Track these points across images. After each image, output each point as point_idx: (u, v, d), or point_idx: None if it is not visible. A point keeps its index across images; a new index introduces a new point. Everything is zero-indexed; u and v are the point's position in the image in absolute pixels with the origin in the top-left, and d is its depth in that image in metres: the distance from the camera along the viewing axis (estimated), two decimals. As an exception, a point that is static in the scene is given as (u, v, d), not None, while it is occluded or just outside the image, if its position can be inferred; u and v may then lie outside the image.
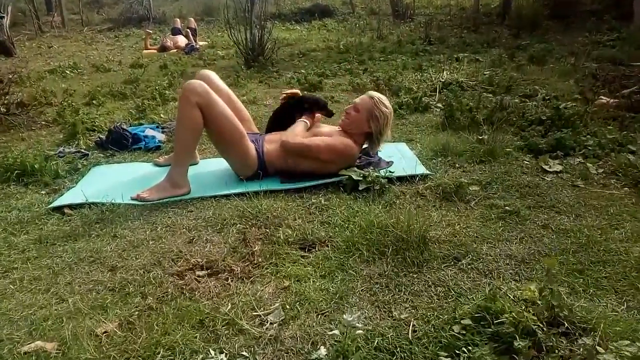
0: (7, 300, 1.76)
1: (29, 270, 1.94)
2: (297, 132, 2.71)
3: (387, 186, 2.50)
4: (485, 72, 5.56)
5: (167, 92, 5.21)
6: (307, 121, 2.75)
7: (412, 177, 2.64)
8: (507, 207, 2.24)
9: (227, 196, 2.53)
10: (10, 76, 4.52)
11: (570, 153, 2.90)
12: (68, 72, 7.35)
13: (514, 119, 3.57)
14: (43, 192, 2.73)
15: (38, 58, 9.66)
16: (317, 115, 2.98)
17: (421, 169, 2.71)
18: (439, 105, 4.16)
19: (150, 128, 3.71)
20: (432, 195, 2.44)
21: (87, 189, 2.69)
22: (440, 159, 2.92)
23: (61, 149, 3.42)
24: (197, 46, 9.80)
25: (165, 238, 2.14)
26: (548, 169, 2.69)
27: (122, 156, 3.32)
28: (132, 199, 2.54)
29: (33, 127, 4.14)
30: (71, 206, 2.49)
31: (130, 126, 3.88)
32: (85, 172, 3.01)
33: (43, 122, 4.24)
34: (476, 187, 2.49)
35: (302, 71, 6.45)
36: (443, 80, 5.00)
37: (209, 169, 2.94)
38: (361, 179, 2.52)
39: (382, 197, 2.44)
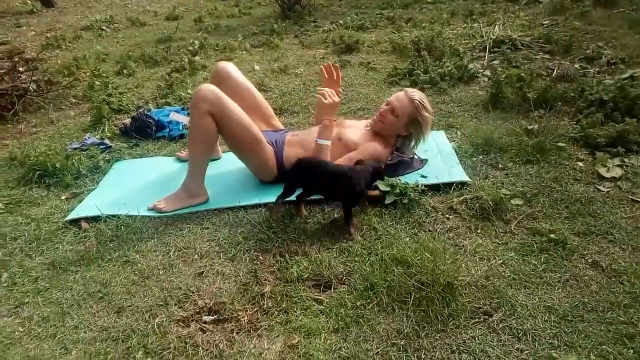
0: (14, 347, 1.73)
1: (39, 306, 1.89)
2: (322, 156, 2.40)
3: (417, 199, 2.26)
4: (544, 22, 4.97)
5: (197, 57, 4.99)
6: (330, 121, 2.46)
7: (448, 184, 2.37)
8: (552, 235, 1.96)
9: (244, 207, 2.38)
10: (39, 54, 4.36)
11: (634, 149, 2.51)
12: (104, 27, 7.21)
13: (572, 95, 3.14)
14: (63, 197, 2.67)
15: (77, 8, 9.58)
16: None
17: (458, 174, 2.43)
18: (487, 74, 3.74)
19: (175, 111, 3.55)
20: (467, 212, 2.19)
21: (106, 193, 2.63)
22: (481, 156, 2.61)
23: (86, 137, 3.35)
24: (235, -10, 9.36)
25: (176, 267, 2.03)
26: (605, 174, 2.34)
27: (146, 146, 3.21)
28: (149, 209, 2.44)
29: (62, 106, 4.08)
30: (87, 218, 2.42)
31: (157, 107, 3.75)
32: (107, 169, 2.93)
33: (72, 100, 4.16)
34: (519, 202, 2.21)
35: (340, 22, 6.02)
36: (494, 37, 4.49)
37: (230, 167, 2.77)
38: (389, 189, 2.29)
39: (410, 213, 2.21)
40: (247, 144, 2.41)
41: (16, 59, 3.82)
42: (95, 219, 2.41)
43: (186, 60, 4.76)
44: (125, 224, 2.34)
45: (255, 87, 3.85)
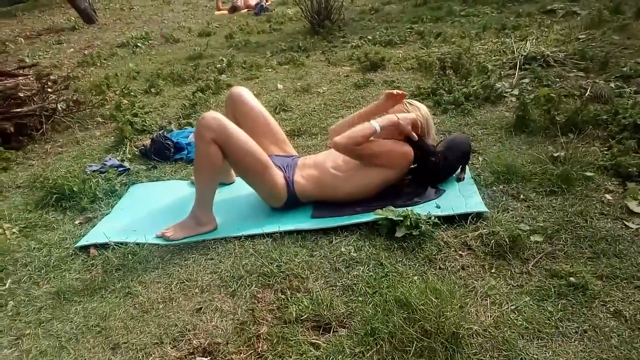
0: (10, 382, 1.72)
1: (38, 339, 1.89)
2: (357, 132, 2.35)
3: (429, 232, 2.14)
4: (580, 36, 4.74)
5: (223, 76, 5.02)
6: (378, 127, 2.35)
7: (463, 216, 2.24)
8: (572, 278, 1.81)
9: (252, 236, 2.32)
10: (69, 73, 4.46)
11: (670, 181, 2.33)
12: (139, 44, 7.39)
13: (604, 118, 2.95)
14: (77, 221, 2.69)
15: (117, 24, 9.87)
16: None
17: (475, 204, 2.31)
18: (515, 93, 3.57)
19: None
20: (481, 249, 2.06)
21: (118, 218, 2.64)
22: (501, 186, 2.47)
23: (107, 158, 3.39)
24: (267, 4, 9.48)
25: (176, 300, 1.99)
26: (636, 209, 2.17)
27: (163, 169, 3.22)
28: (157, 236, 2.42)
29: (89, 125, 4.16)
30: (96, 245, 2.42)
31: (179, 128, 3.77)
32: (123, 192, 2.94)
33: (99, 120, 4.24)
34: (539, 238, 2.06)
35: (369, 37, 5.95)
36: (525, 53, 4.31)
37: (242, 192, 2.72)
38: (400, 220, 2.19)
39: (421, 247, 2.10)
40: (255, 170, 2.37)
41: (44, 80, 3.92)
42: (104, 246, 2.41)
43: (212, 78, 4.79)
44: (132, 252, 2.34)
45: (277, 107, 3.88)
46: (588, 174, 2.43)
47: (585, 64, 3.96)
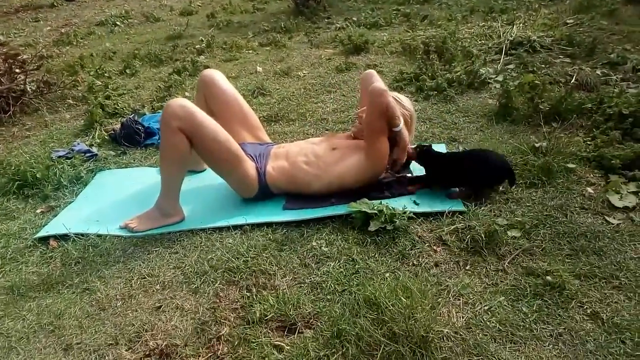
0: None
1: (-13, 338, 1.77)
2: (394, 108, 2.19)
3: (404, 226, 2.05)
4: (568, 20, 4.64)
5: (201, 57, 4.86)
6: (400, 128, 2.24)
7: (439, 213, 2.16)
8: (548, 277, 1.73)
9: (220, 229, 2.22)
10: (38, 53, 4.25)
11: (654, 174, 2.25)
12: (118, 22, 7.15)
13: (589, 106, 2.87)
14: (39, 210, 2.56)
15: (97, 1, 9.58)
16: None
17: (451, 202, 2.21)
18: (499, 79, 3.47)
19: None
20: (456, 244, 1.97)
21: (82, 207, 2.52)
22: (480, 177, 2.37)
23: (75, 143, 3.24)
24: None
25: (135, 298, 1.89)
26: (617, 203, 2.09)
27: (133, 155, 3.08)
28: (121, 227, 2.31)
29: (59, 107, 3.99)
30: (56, 236, 2.30)
31: (152, 111, 3.63)
32: (89, 179, 2.81)
33: (70, 102, 4.07)
34: (516, 234, 1.98)
35: (354, 19, 5.79)
36: (512, 37, 4.20)
37: (212, 181, 2.60)
38: (375, 213, 2.09)
39: (395, 242, 2.01)
40: (224, 160, 2.25)
41: (11, 60, 3.73)
42: (64, 237, 2.29)
43: (189, 60, 4.62)
44: (93, 244, 2.22)
45: (255, 90, 3.75)
46: (570, 165, 2.35)
47: (572, 50, 3.87)
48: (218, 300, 1.82)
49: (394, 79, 3.70)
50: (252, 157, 2.37)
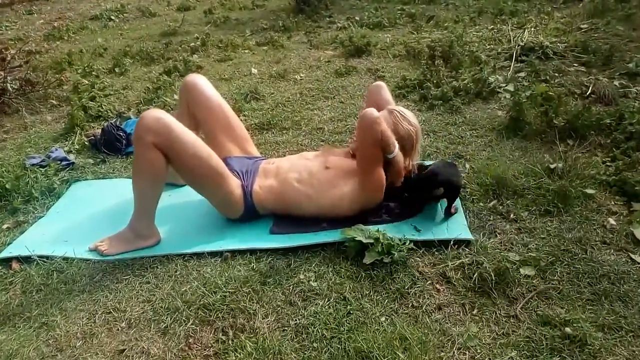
0: None
1: None
2: (389, 134, 1.98)
3: (402, 260, 1.83)
4: (582, 25, 4.40)
5: (194, 56, 4.63)
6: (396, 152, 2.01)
7: (444, 242, 1.93)
8: (567, 328, 1.51)
9: (198, 254, 2.00)
10: (33, 47, 4.00)
11: (683, 202, 2.02)
12: (113, 17, 6.92)
13: (608, 122, 2.63)
14: (5, 226, 2.34)
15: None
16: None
17: (459, 228, 1.99)
18: (509, 89, 3.23)
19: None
20: (462, 282, 1.74)
21: (52, 224, 2.31)
22: (491, 202, 2.15)
23: (53, 149, 3.01)
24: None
25: (97, 337, 1.67)
26: (644, 239, 1.86)
27: (113, 164, 2.86)
28: (90, 249, 2.08)
29: (41, 108, 3.76)
30: (19, 258, 2.08)
31: (137, 115, 3.40)
32: (62, 191, 2.59)
33: (53, 102, 3.84)
34: (530, 272, 1.75)
35: (357, 18, 5.55)
36: (523, 42, 3.96)
37: (195, 197, 2.35)
38: (371, 243, 1.87)
39: (392, 278, 1.79)
40: (205, 178, 2.03)
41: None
42: (28, 259, 2.06)
43: (181, 60, 4.39)
44: (58, 268, 2.00)
45: (247, 94, 3.52)
46: (588, 191, 2.12)
47: (587, 58, 3.63)
48: (189, 345, 1.60)
49: (397, 86, 3.47)
50: (237, 173, 2.15)
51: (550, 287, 1.70)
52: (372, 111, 1.91)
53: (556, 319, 1.56)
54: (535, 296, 1.67)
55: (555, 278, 1.73)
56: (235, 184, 2.09)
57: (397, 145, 1.98)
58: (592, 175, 2.22)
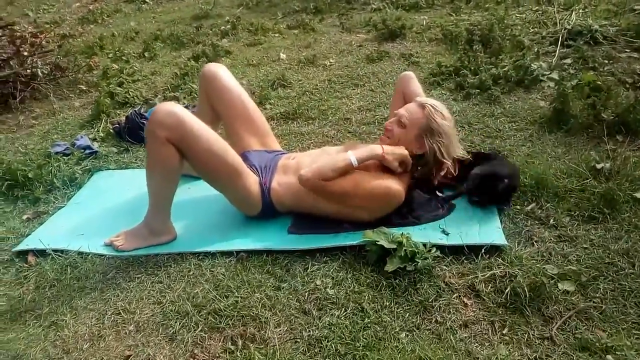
0: None
1: None
2: (327, 165, 1.90)
3: (427, 268, 1.69)
4: (636, 6, 4.05)
5: (224, 40, 4.53)
6: (355, 160, 1.89)
7: (474, 247, 1.78)
8: (609, 357, 1.35)
9: (213, 253, 1.92)
10: (43, 34, 3.99)
11: None
12: (147, 0, 6.89)
13: (664, 115, 2.39)
14: (25, 216, 2.33)
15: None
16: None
17: (492, 234, 1.83)
18: (554, 77, 2.99)
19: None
20: (493, 297, 1.60)
21: (70, 215, 2.28)
22: (529, 205, 1.97)
23: (79, 136, 2.99)
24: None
25: (105, 339, 1.62)
26: (703, 252, 1.66)
27: (136, 153, 2.81)
28: (105, 244, 2.04)
29: (70, 94, 3.76)
30: (35, 251, 2.05)
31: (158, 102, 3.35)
32: (84, 181, 2.56)
33: (83, 88, 3.82)
34: (569, 287, 1.59)
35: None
36: (570, 26, 3.67)
37: (212, 191, 2.26)
38: (394, 248, 1.74)
39: (416, 288, 1.65)
40: (221, 174, 1.93)
41: (18, 42, 3.51)
42: (43, 253, 2.03)
43: (210, 44, 4.31)
44: (72, 263, 1.96)
45: (275, 81, 3.40)
46: (638, 195, 1.92)
47: (641, 43, 3.32)
48: (196, 353, 1.52)
49: (431, 73, 3.28)
50: (256, 169, 2.05)
51: (591, 305, 1.53)
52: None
53: (597, 344, 1.40)
54: (574, 316, 1.50)
55: (597, 296, 1.56)
56: (252, 181, 1.99)
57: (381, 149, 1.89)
58: (643, 174, 2.00)
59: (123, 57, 4.37)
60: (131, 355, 1.55)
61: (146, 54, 4.42)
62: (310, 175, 1.87)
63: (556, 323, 1.49)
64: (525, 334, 1.47)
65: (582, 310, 1.52)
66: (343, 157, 1.88)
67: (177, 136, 1.79)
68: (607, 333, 1.44)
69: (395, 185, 1.88)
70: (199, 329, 1.60)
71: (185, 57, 4.26)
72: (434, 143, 1.90)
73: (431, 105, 1.92)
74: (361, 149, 1.93)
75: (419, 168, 1.98)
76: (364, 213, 1.94)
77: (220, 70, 2.24)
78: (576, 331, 1.46)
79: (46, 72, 3.83)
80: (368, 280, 1.71)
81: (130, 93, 3.49)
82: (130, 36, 5.10)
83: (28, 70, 3.62)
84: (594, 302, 1.54)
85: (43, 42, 3.96)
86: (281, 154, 2.22)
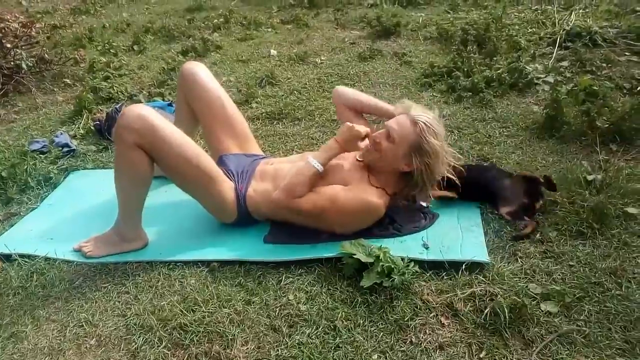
0: None
1: None
2: (295, 182, 1.84)
3: (405, 285, 1.61)
4: (637, 8, 3.95)
5: (215, 34, 4.43)
6: (319, 166, 1.83)
7: (455, 264, 1.70)
8: (592, 387, 1.27)
9: (185, 262, 1.84)
10: (24, 26, 3.85)
11: None
12: (143, -12, 6.76)
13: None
14: (-2, 216, 2.25)
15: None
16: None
17: (474, 249, 1.75)
18: (549, 80, 2.90)
19: (159, 107, 3.01)
20: (471, 317, 1.52)
21: (41, 218, 2.20)
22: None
23: (59, 133, 2.90)
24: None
25: (64, 354, 1.54)
26: (694, 274, 1.58)
27: (115, 151, 2.71)
28: (74, 250, 1.96)
29: (54, 88, 3.66)
30: (2, 256, 1.97)
31: (148, 99, 3.26)
32: (59, 181, 2.47)
33: (68, 81, 3.73)
34: (552, 308, 1.51)
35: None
36: (569, 27, 3.57)
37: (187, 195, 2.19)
38: (371, 261, 1.66)
39: (392, 306, 1.58)
40: (194, 180, 1.85)
41: (0, 35, 3.41)
42: (9, 258, 1.96)
43: (200, 38, 4.21)
44: (39, 270, 1.88)
45: (263, 79, 3.31)
46: (630, 210, 1.84)
47: (640, 46, 3.23)
48: (157, 374, 1.44)
49: (423, 73, 3.18)
50: (232, 174, 1.97)
51: (574, 329, 1.45)
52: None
53: (579, 371, 1.32)
54: (556, 340, 1.43)
55: (581, 318, 1.48)
56: (227, 187, 1.90)
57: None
58: (636, 190, 1.92)
59: (111, 50, 4.27)
60: (93, 369, 1.47)
61: (135, 47, 4.33)
62: (283, 197, 1.81)
63: (537, 347, 1.41)
64: (504, 358, 1.39)
65: (565, 333, 1.44)
66: (307, 167, 1.81)
67: (146, 141, 1.70)
68: (589, 359, 1.36)
69: (375, 199, 1.80)
70: (163, 345, 1.52)
71: (174, 50, 4.17)
72: (422, 163, 1.78)
73: (424, 123, 1.78)
74: (318, 151, 1.86)
75: (405, 188, 1.87)
76: (342, 227, 1.85)
77: (199, 70, 2.15)
78: (557, 356, 1.38)
79: (31, 64, 3.73)
80: (343, 296, 1.63)
81: (115, 88, 3.40)
82: (121, 28, 5.01)
83: (11, 63, 3.51)
84: (577, 325, 1.46)
85: (32, 33, 3.85)
86: (260, 158, 2.13)
